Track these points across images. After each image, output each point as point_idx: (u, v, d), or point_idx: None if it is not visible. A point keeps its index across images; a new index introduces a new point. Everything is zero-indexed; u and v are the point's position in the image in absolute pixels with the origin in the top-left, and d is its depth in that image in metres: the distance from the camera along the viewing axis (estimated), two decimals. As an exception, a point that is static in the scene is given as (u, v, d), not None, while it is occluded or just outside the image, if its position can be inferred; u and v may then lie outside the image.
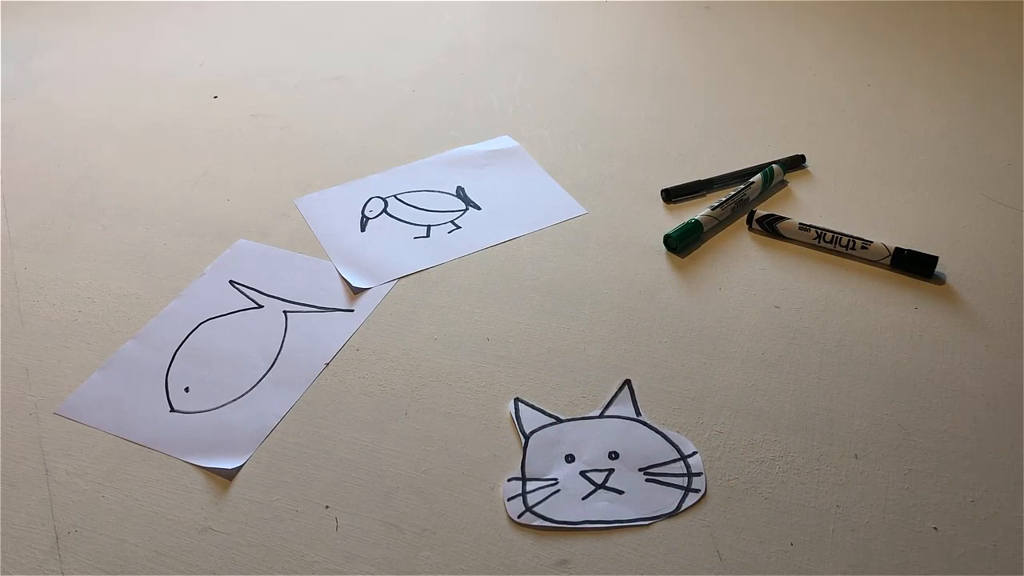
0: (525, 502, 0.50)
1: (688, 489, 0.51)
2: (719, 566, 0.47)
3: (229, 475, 0.53)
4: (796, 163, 0.78)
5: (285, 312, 0.65)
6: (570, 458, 0.53)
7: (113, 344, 0.63)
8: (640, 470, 0.52)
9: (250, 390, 0.59)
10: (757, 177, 0.74)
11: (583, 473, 0.52)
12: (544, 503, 0.50)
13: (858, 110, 0.87)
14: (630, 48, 1.02)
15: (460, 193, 0.78)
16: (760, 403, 0.56)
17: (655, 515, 0.49)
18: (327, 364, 0.61)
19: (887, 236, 0.68)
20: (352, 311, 0.65)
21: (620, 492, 0.51)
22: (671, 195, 0.75)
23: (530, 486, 0.51)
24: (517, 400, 0.57)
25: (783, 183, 0.76)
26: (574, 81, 0.95)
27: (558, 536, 0.49)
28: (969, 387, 0.57)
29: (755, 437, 0.54)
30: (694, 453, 0.53)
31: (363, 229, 0.74)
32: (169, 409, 0.58)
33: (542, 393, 0.58)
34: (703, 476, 0.51)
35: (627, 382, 0.58)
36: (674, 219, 0.72)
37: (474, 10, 1.13)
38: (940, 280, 0.65)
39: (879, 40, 1.00)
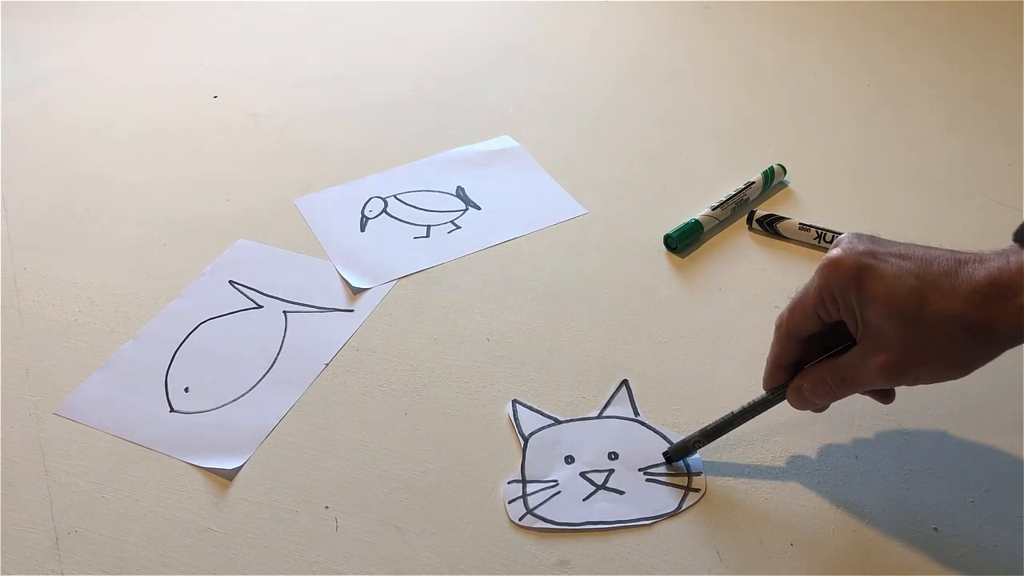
0: (526, 504, 0.50)
1: (688, 489, 0.51)
2: (719, 566, 0.47)
3: (229, 475, 0.53)
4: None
5: (285, 312, 0.65)
6: (570, 459, 0.53)
7: (113, 344, 0.63)
8: (640, 470, 0.52)
9: (250, 390, 0.59)
10: (757, 177, 0.74)
11: (583, 474, 0.52)
12: (545, 505, 0.50)
13: (858, 110, 0.87)
14: (630, 48, 1.02)
15: (460, 193, 0.78)
16: (760, 403, 0.56)
17: (656, 515, 0.49)
18: (327, 364, 0.61)
19: (887, 236, 0.68)
20: (352, 311, 0.65)
21: (620, 492, 0.51)
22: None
23: (530, 488, 0.51)
24: (515, 402, 0.57)
25: (783, 183, 0.76)
26: (574, 81, 0.95)
27: (558, 536, 0.49)
28: (969, 387, 0.57)
29: (755, 437, 0.54)
30: (694, 453, 0.53)
31: (363, 229, 0.74)
32: (169, 409, 0.58)
33: (542, 393, 0.58)
34: (703, 476, 0.51)
35: (624, 382, 0.58)
36: (674, 219, 0.72)
37: (474, 10, 1.13)
38: (940, 280, 0.65)
39: (879, 40, 1.00)
